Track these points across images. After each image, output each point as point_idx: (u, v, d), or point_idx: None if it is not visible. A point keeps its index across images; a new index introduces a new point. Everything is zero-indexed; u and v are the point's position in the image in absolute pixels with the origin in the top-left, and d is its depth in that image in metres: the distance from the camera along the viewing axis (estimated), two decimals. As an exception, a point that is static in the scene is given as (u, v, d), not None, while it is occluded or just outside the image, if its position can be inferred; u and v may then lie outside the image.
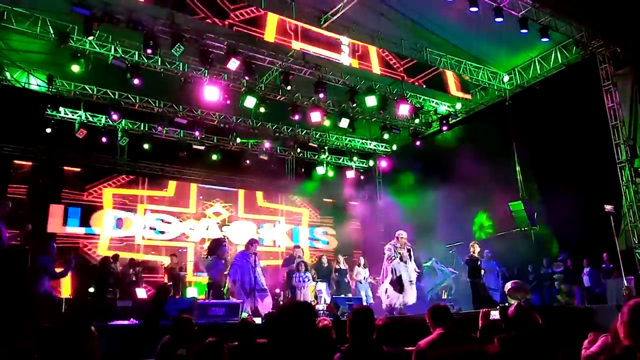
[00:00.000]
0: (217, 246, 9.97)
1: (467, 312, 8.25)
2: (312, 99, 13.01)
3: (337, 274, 12.31)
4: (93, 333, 3.04)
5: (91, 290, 10.56)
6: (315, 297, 11.39)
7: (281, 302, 11.04)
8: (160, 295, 3.29)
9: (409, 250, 9.96)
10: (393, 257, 9.81)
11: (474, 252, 10.14)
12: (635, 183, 10.65)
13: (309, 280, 11.34)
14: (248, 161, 15.21)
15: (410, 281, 9.72)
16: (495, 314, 6.02)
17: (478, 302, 9.45)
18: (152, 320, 3.21)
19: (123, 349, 3.07)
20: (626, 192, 10.72)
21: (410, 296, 9.70)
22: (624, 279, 8.98)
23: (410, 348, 4.31)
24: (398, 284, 9.63)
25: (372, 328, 3.64)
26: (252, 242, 9.71)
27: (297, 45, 10.75)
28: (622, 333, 2.57)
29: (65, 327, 3.03)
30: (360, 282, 11.79)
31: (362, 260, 12.06)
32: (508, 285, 6.08)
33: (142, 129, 13.84)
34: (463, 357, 3.80)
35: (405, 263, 9.79)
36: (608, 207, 9.43)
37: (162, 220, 14.33)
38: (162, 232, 14.23)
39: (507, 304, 6.09)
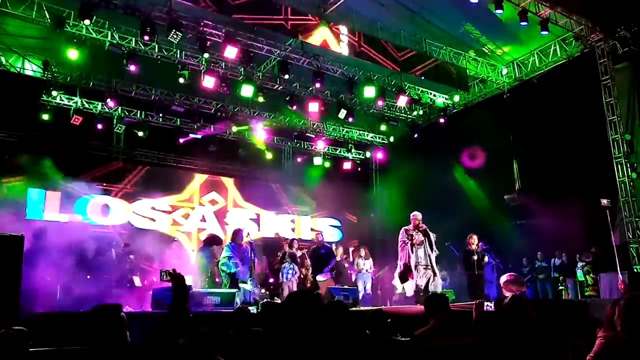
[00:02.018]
0: (215, 238, 10.00)
1: (463, 303, 8.27)
2: (310, 89, 12.94)
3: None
4: (123, 320, 3.03)
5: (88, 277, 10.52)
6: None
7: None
8: (178, 284, 3.26)
9: (425, 231, 9.37)
10: (404, 244, 9.31)
11: (471, 244, 10.05)
12: (631, 178, 10.69)
13: (294, 272, 11.42)
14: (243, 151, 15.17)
15: (419, 264, 9.14)
16: (488, 306, 6.05)
17: (473, 294, 9.45)
18: (177, 310, 3.20)
19: (151, 338, 3.06)
20: (622, 187, 10.76)
21: (422, 280, 9.13)
22: (619, 274, 9.02)
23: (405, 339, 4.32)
24: (406, 271, 9.21)
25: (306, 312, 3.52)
26: (237, 233, 9.69)
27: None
28: (619, 326, 2.59)
29: (96, 314, 3.02)
30: (361, 273, 11.76)
31: (362, 252, 12.03)
32: (504, 278, 6.09)
33: (138, 116, 13.74)
34: (457, 349, 3.81)
35: (421, 245, 9.24)
36: (604, 201, 9.45)
37: (155, 208, 14.24)
38: (154, 220, 14.16)
39: (502, 297, 6.11)
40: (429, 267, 9.24)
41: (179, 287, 3.22)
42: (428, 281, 9.20)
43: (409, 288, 9.25)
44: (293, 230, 16.14)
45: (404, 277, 9.29)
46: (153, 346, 3.00)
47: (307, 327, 2.22)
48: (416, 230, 9.35)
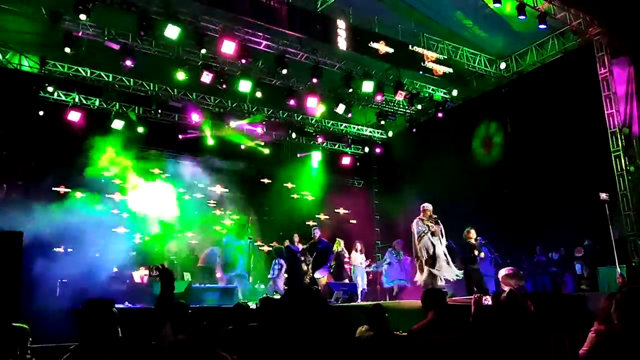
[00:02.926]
0: None
1: (461, 298, 8.30)
2: (308, 83, 12.92)
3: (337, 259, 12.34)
4: (115, 315, 3.05)
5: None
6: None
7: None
8: (166, 279, 3.29)
9: (437, 223, 9.28)
10: (422, 234, 9.13)
11: (470, 238, 10.03)
12: (629, 172, 10.70)
13: (280, 268, 11.47)
14: (243, 146, 15.15)
15: (445, 254, 9.09)
16: (487, 300, 6.07)
17: (472, 288, 9.46)
18: (164, 305, 3.23)
19: (138, 332, 3.09)
20: (620, 181, 10.77)
21: (449, 272, 9.06)
22: (617, 268, 9.03)
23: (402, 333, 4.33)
24: (432, 261, 9.03)
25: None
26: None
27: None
28: (615, 319, 2.61)
29: (87, 309, 3.03)
30: (356, 267, 11.79)
31: (358, 246, 12.03)
32: (502, 272, 6.10)
33: (136, 112, 13.72)
34: (454, 343, 3.83)
35: (439, 237, 9.15)
36: (603, 195, 9.43)
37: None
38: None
39: (500, 291, 6.12)
40: (445, 257, 9.21)
41: (167, 282, 3.26)
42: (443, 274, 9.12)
43: (424, 278, 9.17)
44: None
45: (432, 267, 9.08)
46: (141, 338, 3.03)
47: (304, 322, 2.24)
48: (430, 221, 9.28)
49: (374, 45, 11.31)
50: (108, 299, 3.09)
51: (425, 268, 9.12)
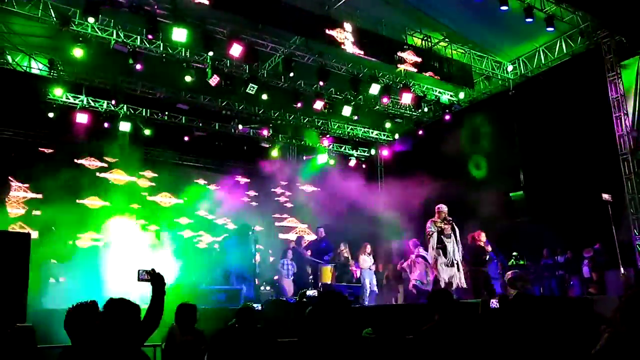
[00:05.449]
0: None
1: (468, 300, 8.26)
2: (315, 86, 12.94)
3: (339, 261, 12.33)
4: (99, 314, 3.09)
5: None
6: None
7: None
8: (157, 283, 3.32)
9: (451, 224, 9.24)
10: (432, 232, 9.11)
11: (479, 241, 9.94)
12: (637, 175, 10.63)
13: (294, 269, 11.42)
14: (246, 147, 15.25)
15: (440, 259, 9.04)
16: (494, 303, 6.05)
17: (480, 291, 9.41)
18: (156, 308, 3.26)
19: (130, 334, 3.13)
20: (628, 184, 10.71)
21: (445, 273, 9.02)
22: (621, 269, 8.95)
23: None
24: (444, 256, 9.06)
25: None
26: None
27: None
28: (618, 319, 2.60)
29: (71, 315, 3.07)
30: (365, 270, 11.73)
31: (367, 248, 12.01)
32: (508, 275, 6.09)
33: (144, 114, 13.79)
34: (461, 345, 3.83)
35: (449, 237, 9.09)
36: (606, 196, 9.32)
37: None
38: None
39: (507, 293, 6.10)
40: (454, 263, 9.14)
41: (159, 286, 3.29)
42: (451, 277, 9.12)
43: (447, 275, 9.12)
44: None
45: (446, 263, 9.11)
46: (132, 340, 3.06)
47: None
48: (444, 222, 9.24)
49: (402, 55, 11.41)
50: (91, 302, 3.13)
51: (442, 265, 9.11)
